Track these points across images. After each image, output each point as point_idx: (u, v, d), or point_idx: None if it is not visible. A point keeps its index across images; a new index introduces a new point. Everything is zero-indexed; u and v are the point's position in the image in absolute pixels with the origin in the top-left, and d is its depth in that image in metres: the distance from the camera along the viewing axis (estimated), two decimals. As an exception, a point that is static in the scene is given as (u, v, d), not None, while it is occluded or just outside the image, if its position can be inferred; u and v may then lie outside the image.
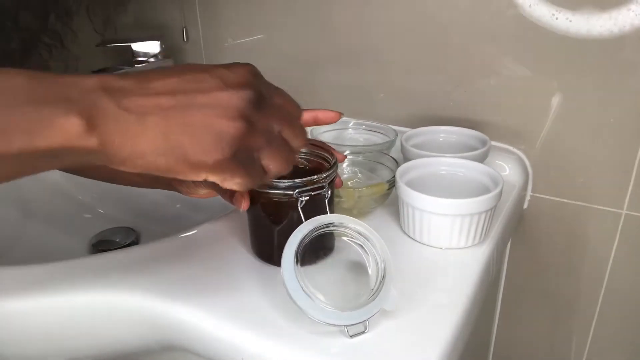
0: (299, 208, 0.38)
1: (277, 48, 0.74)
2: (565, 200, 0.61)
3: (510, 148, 0.62)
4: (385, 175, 0.53)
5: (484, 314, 0.66)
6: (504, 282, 0.69)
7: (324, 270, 0.42)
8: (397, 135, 0.60)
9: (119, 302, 0.40)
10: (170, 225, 0.67)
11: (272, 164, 0.32)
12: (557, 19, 0.53)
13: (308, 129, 0.54)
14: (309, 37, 0.70)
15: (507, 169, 0.60)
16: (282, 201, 0.40)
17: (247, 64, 0.31)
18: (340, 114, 0.46)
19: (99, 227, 0.69)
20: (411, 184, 0.46)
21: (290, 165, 0.33)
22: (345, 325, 0.34)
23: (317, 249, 0.42)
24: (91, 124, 0.25)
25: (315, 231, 0.37)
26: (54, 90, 0.25)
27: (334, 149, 0.48)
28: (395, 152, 0.56)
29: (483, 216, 0.44)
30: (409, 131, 0.59)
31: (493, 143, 0.59)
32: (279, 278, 0.35)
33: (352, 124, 0.65)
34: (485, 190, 0.46)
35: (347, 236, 0.38)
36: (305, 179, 0.39)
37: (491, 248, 0.46)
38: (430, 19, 0.61)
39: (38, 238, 0.68)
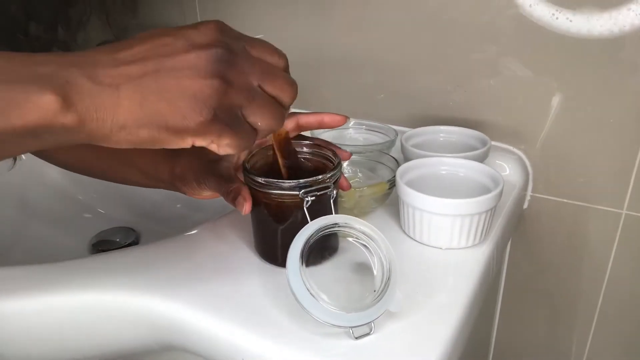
0: (305, 208, 0.38)
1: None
2: (565, 200, 0.61)
3: (511, 148, 0.62)
4: (386, 175, 0.53)
5: (484, 314, 0.67)
6: (504, 282, 0.69)
7: (329, 270, 0.42)
8: (397, 135, 0.60)
9: (119, 302, 0.40)
10: (170, 225, 0.67)
11: (259, 120, 0.30)
12: (557, 18, 0.53)
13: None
14: (309, 37, 0.70)
15: (507, 169, 0.60)
16: (287, 201, 0.39)
17: (214, 21, 0.29)
18: (346, 118, 0.46)
19: (99, 227, 0.69)
20: (411, 184, 0.46)
21: (281, 121, 0.31)
22: (350, 327, 0.34)
23: (322, 249, 0.42)
24: (67, 100, 0.25)
25: (321, 231, 0.37)
26: (27, 69, 0.25)
27: (338, 147, 0.47)
28: (395, 152, 0.56)
29: (483, 216, 0.44)
30: (409, 131, 0.59)
31: (493, 143, 0.59)
32: (281, 278, 0.35)
33: (352, 123, 0.65)
34: (485, 190, 0.46)
35: (352, 237, 0.38)
36: (310, 179, 0.39)
37: (491, 248, 0.46)
38: (431, 18, 0.61)
39: (38, 238, 0.68)
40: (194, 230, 0.48)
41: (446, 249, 0.45)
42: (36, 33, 0.48)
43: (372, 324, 0.35)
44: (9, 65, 0.25)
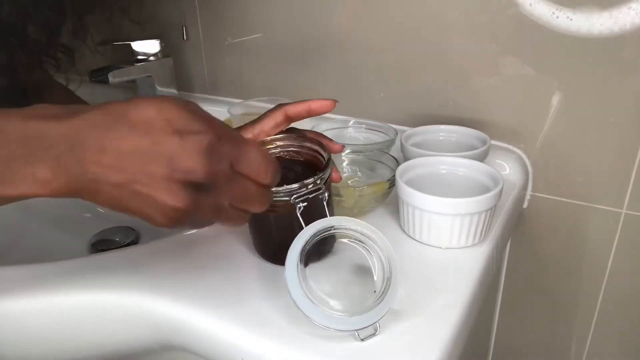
0: (298, 214, 0.37)
1: (276, 47, 0.74)
2: (565, 200, 0.61)
3: (510, 147, 0.62)
4: (386, 174, 0.53)
5: (484, 313, 0.67)
6: (503, 282, 0.69)
7: (329, 274, 0.41)
8: (397, 134, 0.59)
9: (119, 301, 0.40)
10: (170, 225, 0.67)
11: (224, 223, 0.33)
12: (557, 17, 0.53)
13: (308, 125, 0.54)
14: (309, 36, 0.70)
15: (507, 168, 0.60)
16: (279, 207, 0.39)
17: (208, 135, 0.30)
18: (335, 102, 0.44)
19: (99, 226, 0.69)
20: (411, 183, 0.46)
21: (244, 222, 0.34)
22: (355, 330, 0.34)
23: (320, 252, 0.42)
24: (57, 176, 0.29)
25: (317, 236, 0.36)
26: (23, 145, 0.29)
27: (329, 140, 0.47)
28: (395, 151, 0.56)
29: (483, 215, 0.44)
30: (409, 130, 0.59)
31: (493, 142, 0.59)
32: (281, 277, 0.35)
33: (352, 122, 0.65)
34: (485, 189, 0.46)
35: (349, 237, 0.37)
36: (298, 184, 0.38)
37: (491, 247, 0.46)
38: (431, 18, 0.61)
39: (38, 238, 0.68)
40: (194, 229, 0.48)
41: (446, 248, 0.45)
42: (34, 36, 0.48)
43: (378, 324, 0.34)
44: (2, 140, 0.28)
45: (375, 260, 0.36)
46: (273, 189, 0.38)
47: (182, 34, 0.81)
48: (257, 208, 0.34)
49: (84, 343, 0.42)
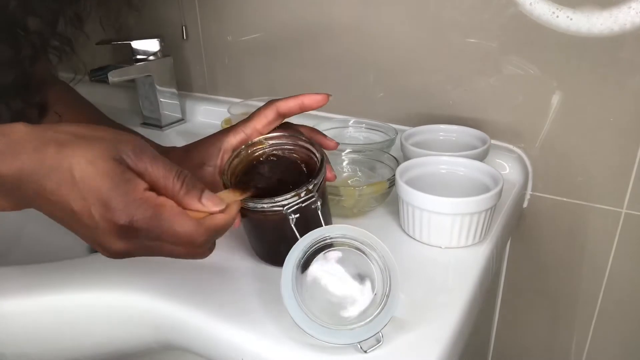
0: (292, 225, 0.36)
1: (276, 46, 0.74)
2: (565, 199, 0.61)
3: (510, 147, 0.62)
4: (386, 173, 0.52)
5: (484, 313, 0.67)
6: (503, 281, 0.69)
7: (327, 284, 0.40)
8: (397, 133, 0.59)
9: (119, 302, 0.40)
10: (170, 224, 0.66)
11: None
12: (557, 17, 0.53)
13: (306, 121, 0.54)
14: (308, 36, 0.70)
15: (507, 168, 0.60)
16: (271, 216, 0.38)
17: (124, 214, 0.30)
18: (328, 96, 0.43)
19: (99, 226, 0.69)
20: (411, 183, 0.46)
21: (205, 256, 0.35)
22: (358, 342, 0.33)
23: (317, 259, 0.41)
24: (10, 205, 0.33)
25: (312, 247, 0.35)
26: None
27: (323, 136, 0.46)
28: (395, 151, 0.56)
29: (483, 215, 0.44)
30: (409, 130, 0.59)
31: (493, 142, 0.59)
32: (279, 279, 0.34)
33: (352, 122, 0.65)
34: (485, 189, 0.46)
35: (345, 246, 0.36)
36: (290, 194, 0.37)
37: (491, 247, 0.46)
38: (431, 17, 0.60)
39: (38, 238, 0.67)
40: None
41: (446, 248, 0.45)
42: (36, 28, 0.48)
43: (381, 334, 0.34)
44: None
45: (373, 267, 0.35)
46: (265, 200, 0.37)
47: (181, 33, 0.81)
48: (197, 257, 0.34)
49: (84, 342, 0.42)
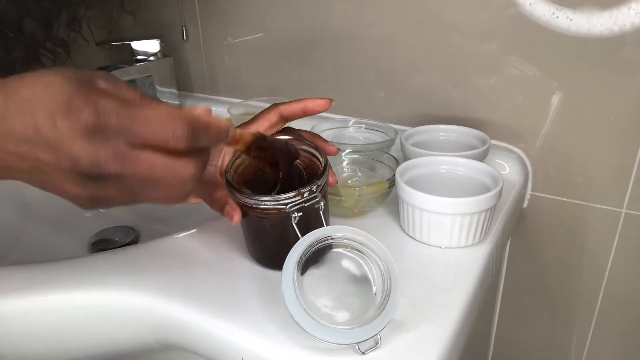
0: (294, 224, 0.36)
1: (276, 46, 0.74)
2: (565, 199, 0.61)
3: (510, 147, 0.62)
4: (386, 173, 0.53)
5: (484, 313, 0.67)
6: (503, 281, 0.69)
7: (327, 284, 0.40)
8: (397, 133, 0.59)
9: (119, 301, 0.40)
10: (170, 225, 0.67)
11: (155, 203, 0.29)
12: (557, 17, 0.53)
13: (309, 124, 0.54)
14: (309, 36, 0.70)
15: (507, 168, 0.60)
16: (273, 214, 0.38)
17: (86, 109, 0.26)
18: (331, 101, 0.43)
19: (99, 226, 0.69)
20: (411, 183, 0.46)
21: (183, 198, 0.30)
22: (356, 343, 0.33)
23: (317, 260, 0.42)
24: None
25: (313, 247, 0.35)
26: None
27: (324, 142, 0.46)
28: (395, 151, 0.56)
29: (483, 215, 0.44)
30: (409, 130, 0.59)
31: (493, 142, 0.59)
32: (277, 281, 0.34)
33: (352, 122, 0.65)
34: (485, 189, 0.46)
35: (346, 247, 0.36)
36: (294, 192, 0.37)
37: (491, 247, 0.46)
38: (431, 17, 0.61)
39: (38, 238, 0.68)
40: (194, 229, 0.48)
41: (446, 248, 0.45)
42: (31, 30, 0.48)
43: (379, 336, 0.33)
44: None
45: (374, 269, 0.35)
46: (267, 198, 0.37)
47: (182, 34, 0.81)
48: (179, 186, 0.28)
49: (84, 343, 0.42)
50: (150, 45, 0.77)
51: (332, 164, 0.45)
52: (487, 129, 0.60)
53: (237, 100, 0.77)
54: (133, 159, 0.26)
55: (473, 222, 0.44)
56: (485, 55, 0.59)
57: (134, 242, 0.67)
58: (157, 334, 0.40)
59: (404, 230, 0.48)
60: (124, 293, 0.40)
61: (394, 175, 0.47)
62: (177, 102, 0.83)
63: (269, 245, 0.42)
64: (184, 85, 0.86)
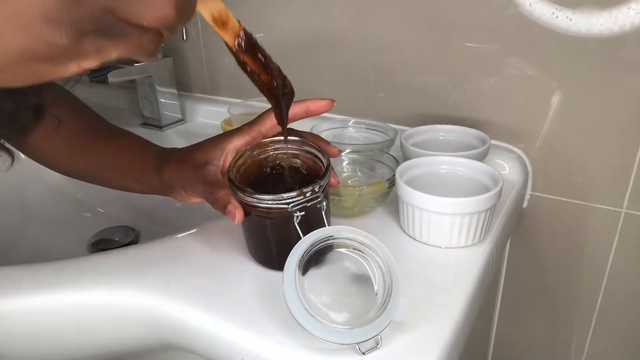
0: (296, 224, 0.36)
1: (276, 47, 0.74)
2: (565, 199, 0.61)
3: (510, 147, 0.62)
4: (385, 173, 0.53)
5: (484, 313, 0.67)
6: (503, 281, 0.69)
7: (328, 284, 0.40)
8: (396, 133, 0.59)
9: (119, 301, 0.40)
10: (170, 224, 0.67)
11: (139, 13, 0.23)
12: (557, 17, 0.53)
13: (308, 124, 0.54)
14: (309, 36, 0.70)
15: (507, 168, 0.60)
16: (275, 213, 0.38)
17: None
18: (333, 101, 0.43)
19: (99, 226, 0.69)
20: (411, 183, 0.46)
21: (154, 50, 0.25)
22: (357, 343, 0.33)
23: (318, 260, 0.42)
24: None
25: (315, 246, 0.35)
26: None
27: (326, 143, 0.46)
28: (395, 151, 0.56)
29: (483, 215, 0.44)
30: (409, 130, 0.59)
31: (493, 142, 0.59)
32: (278, 282, 0.34)
33: (352, 122, 0.65)
34: (484, 189, 0.46)
35: (348, 247, 0.36)
36: (296, 192, 0.37)
37: (491, 247, 0.46)
38: (431, 17, 0.61)
39: (38, 238, 0.68)
40: (194, 229, 0.48)
41: (445, 247, 0.45)
42: None
43: (379, 337, 0.33)
44: None
45: (375, 270, 0.35)
46: (270, 197, 0.37)
47: (181, 34, 0.81)
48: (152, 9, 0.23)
49: (84, 343, 0.42)
50: (150, 46, 0.77)
51: (332, 164, 0.45)
52: (487, 129, 0.60)
53: (237, 101, 0.77)
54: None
55: (473, 222, 0.44)
56: (485, 55, 0.59)
57: (134, 242, 0.67)
58: (157, 334, 0.40)
59: (403, 231, 0.48)
60: (124, 293, 0.40)
61: (394, 175, 0.47)
62: (176, 103, 0.83)
63: (270, 245, 0.42)
64: (183, 85, 0.86)
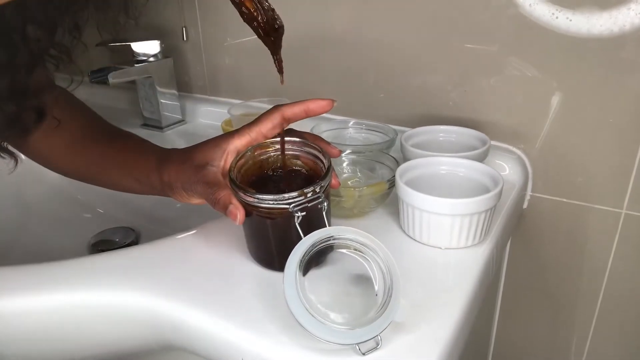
0: (297, 224, 0.37)
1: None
2: (565, 200, 0.61)
3: (510, 148, 0.62)
4: (385, 174, 0.53)
5: (484, 313, 0.67)
6: (503, 282, 0.69)
7: (328, 284, 0.40)
8: (396, 134, 0.59)
9: (119, 302, 0.40)
10: (170, 225, 0.67)
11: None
12: (557, 18, 0.53)
13: (308, 124, 0.54)
14: (309, 36, 0.70)
15: (507, 169, 0.60)
16: (276, 213, 0.38)
17: None
18: (333, 101, 0.43)
19: (99, 226, 0.69)
20: (411, 184, 0.46)
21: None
22: (357, 344, 0.33)
23: (318, 261, 0.42)
24: None
25: (315, 247, 0.35)
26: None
27: (327, 144, 0.46)
28: (395, 152, 0.56)
29: (483, 216, 0.44)
30: (409, 131, 0.59)
31: (493, 142, 0.59)
32: (278, 282, 0.34)
33: (352, 123, 0.65)
34: (485, 190, 0.46)
35: (348, 248, 0.36)
36: (297, 192, 0.37)
37: (491, 248, 0.46)
38: (431, 18, 0.61)
39: (38, 238, 0.68)
40: (194, 230, 0.48)
41: (446, 248, 0.45)
42: (34, 36, 0.48)
43: (379, 337, 0.33)
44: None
45: (375, 270, 0.35)
46: (271, 197, 0.37)
47: (182, 35, 0.81)
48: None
49: (84, 343, 0.42)
50: (151, 46, 0.77)
51: (332, 165, 0.45)
52: (487, 130, 0.60)
53: (238, 101, 0.77)
54: None
55: (473, 222, 0.44)
56: (485, 56, 0.59)
57: (134, 242, 0.67)
58: (157, 334, 0.40)
59: (404, 231, 0.48)
60: (124, 293, 0.40)
61: (394, 176, 0.47)
62: (177, 103, 0.83)
63: (270, 246, 0.42)
64: (184, 86, 0.86)
